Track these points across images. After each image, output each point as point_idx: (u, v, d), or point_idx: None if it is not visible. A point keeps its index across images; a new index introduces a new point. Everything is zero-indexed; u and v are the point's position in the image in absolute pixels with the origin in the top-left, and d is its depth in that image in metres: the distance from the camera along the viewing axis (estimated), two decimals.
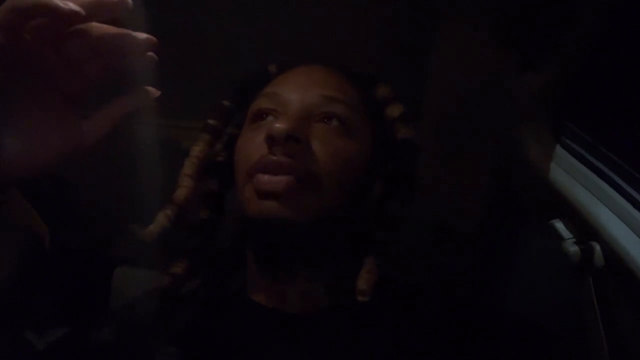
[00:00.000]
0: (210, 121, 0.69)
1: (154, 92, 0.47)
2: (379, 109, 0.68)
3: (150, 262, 0.74)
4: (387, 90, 0.69)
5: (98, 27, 0.42)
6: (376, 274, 0.60)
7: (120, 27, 0.43)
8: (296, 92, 0.62)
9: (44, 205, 0.83)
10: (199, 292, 0.65)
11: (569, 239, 0.66)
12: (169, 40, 0.83)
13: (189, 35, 0.86)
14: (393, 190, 0.65)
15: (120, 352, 0.61)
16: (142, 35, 0.42)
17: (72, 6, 0.38)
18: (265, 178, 0.58)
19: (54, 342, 0.68)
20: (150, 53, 0.44)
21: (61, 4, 0.38)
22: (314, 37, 0.82)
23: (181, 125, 0.93)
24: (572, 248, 0.64)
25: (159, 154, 0.82)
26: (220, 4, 0.83)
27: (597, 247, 0.61)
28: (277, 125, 0.57)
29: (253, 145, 0.61)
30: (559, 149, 0.75)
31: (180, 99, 0.88)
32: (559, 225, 0.68)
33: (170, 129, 0.92)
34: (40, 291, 0.82)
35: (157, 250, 0.67)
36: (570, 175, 0.71)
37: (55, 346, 0.67)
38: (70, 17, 0.39)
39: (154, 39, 0.43)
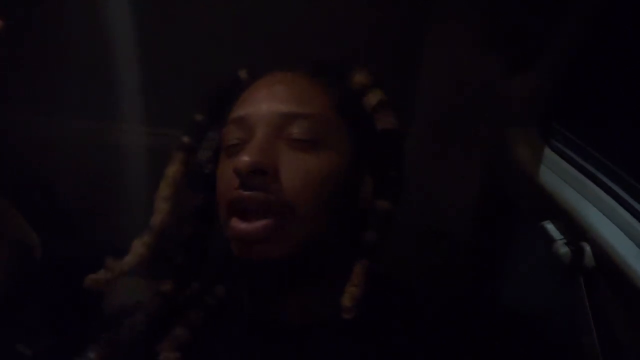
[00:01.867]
0: (184, 138, 0.67)
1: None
2: (357, 100, 0.65)
3: (143, 270, 0.74)
4: (364, 77, 0.65)
5: None
6: (363, 284, 0.58)
7: None
8: (259, 110, 0.60)
9: (34, 215, 0.83)
10: (194, 302, 0.64)
11: (559, 240, 0.66)
12: (157, 47, 0.84)
13: (177, 42, 0.86)
14: (382, 186, 0.63)
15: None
16: None
17: None
18: (241, 227, 0.56)
19: (44, 351, 0.67)
20: None
21: None
22: (304, 42, 0.83)
23: (170, 132, 0.93)
24: (563, 249, 0.65)
25: (148, 161, 0.83)
26: (208, 12, 0.83)
27: (588, 248, 0.61)
28: (242, 158, 0.56)
29: (226, 177, 0.59)
30: (548, 152, 0.76)
31: (169, 106, 0.88)
32: (550, 226, 0.68)
33: (158, 136, 0.92)
34: (31, 300, 0.81)
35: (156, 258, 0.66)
36: (560, 177, 0.71)
37: (46, 355, 0.67)
38: None
39: None
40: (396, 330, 0.61)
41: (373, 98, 0.64)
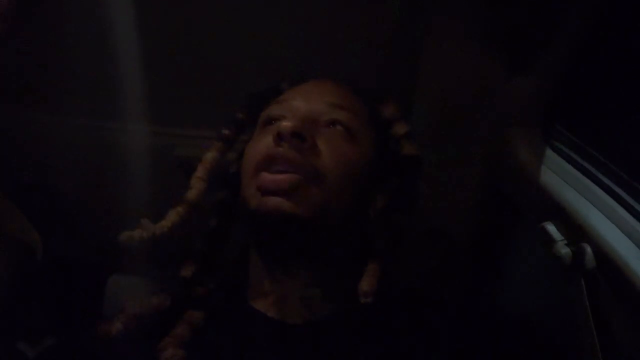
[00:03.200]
0: (224, 131, 0.72)
1: None
2: (385, 126, 0.70)
3: (144, 270, 0.74)
4: (395, 109, 0.71)
5: None
6: (378, 277, 0.61)
7: None
8: (304, 99, 0.66)
9: (36, 215, 0.83)
10: (204, 298, 0.65)
11: (560, 241, 0.66)
12: (163, 48, 0.84)
13: (183, 43, 0.86)
14: (396, 203, 0.67)
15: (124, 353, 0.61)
16: None
17: None
18: (269, 177, 0.60)
19: (45, 351, 0.67)
20: None
21: None
22: (305, 44, 0.83)
23: (175, 132, 0.93)
24: (564, 250, 0.65)
25: (153, 161, 0.83)
26: (215, 14, 0.83)
27: (588, 249, 0.62)
28: (284, 123, 0.60)
29: (260, 144, 0.63)
30: (549, 152, 0.76)
31: (174, 106, 0.88)
32: (551, 227, 0.68)
33: (164, 136, 0.92)
34: (33, 300, 0.82)
35: (155, 258, 0.67)
36: (561, 178, 0.71)
37: (47, 355, 0.67)
38: None
39: None
40: (395, 330, 0.61)
41: (402, 128, 0.70)
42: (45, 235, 0.82)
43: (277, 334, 0.61)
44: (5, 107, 0.91)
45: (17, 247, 0.75)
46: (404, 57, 0.86)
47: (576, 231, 0.65)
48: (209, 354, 0.61)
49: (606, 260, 0.60)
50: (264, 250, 0.65)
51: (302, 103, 0.66)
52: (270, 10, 0.82)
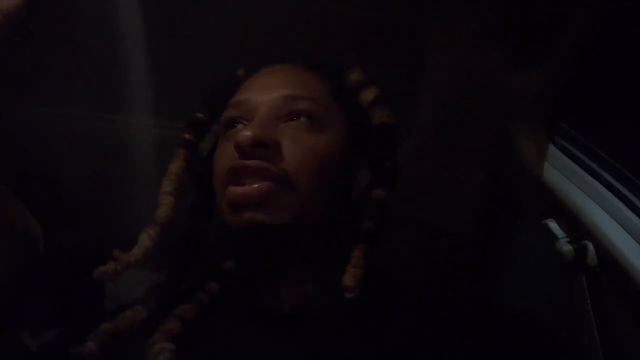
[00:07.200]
0: (185, 135, 0.69)
1: None
2: (352, 96, 0.67)
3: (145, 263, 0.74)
4: (358, 75, 0.68)
5: None
6: (363, 267, 0.59)
7: None
8: (260, 95, 0.62)
9: (38, 207, 0.83)
10: (187, 296, 0.65)
11: (562, 238, 0.66)
12: (166, 41, 0.84)
13: (186, 36, 0.86)
14: (378, 176, 0.64)
15: (115, 353, 0.61)
16: None
17: None
18: (237, 190, 0.57)
19: (47, 343, 0.67)
20: None
21: None
22: (307, 41, 0.83)
23: (178, 126, 0.93)
24: (566, 247, 0.64)
25: (154, 154, 0.83)
26: (217, 6, 0.83)
27: (591, 247, 0.61)
28: (243, 132, 0.57)
29: (225, 155, 0.61)
30: (552, 149, 0.75)
31: (178, 99, 0.88)
32: (553, 224, 0.68)
33: (167, 129, 0.92)
34: (34, 292, 0.82)
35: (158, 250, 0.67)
36: (564, 175, 0.71)
37: (49, 347, 0.67)
38: None
39: None
40: (392, 323, 0.61)
41: (370, 94, 0.67)
42: (48, 227, 0.83)
43: (272, 322, 0.61)
44: (11, 99, 0.92)
45: (18, 237, 0.75)
46: (408, 52, 0.86)
47: (578, 229, 0.65)
48: (203, 344, 0.61)
49: (608, 258, 0.60)
50: (250, 260, 0.64)
51: (259, 100, 0.62)
52: (276, 7, 0.82)
